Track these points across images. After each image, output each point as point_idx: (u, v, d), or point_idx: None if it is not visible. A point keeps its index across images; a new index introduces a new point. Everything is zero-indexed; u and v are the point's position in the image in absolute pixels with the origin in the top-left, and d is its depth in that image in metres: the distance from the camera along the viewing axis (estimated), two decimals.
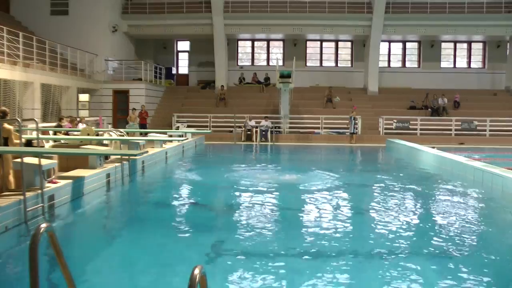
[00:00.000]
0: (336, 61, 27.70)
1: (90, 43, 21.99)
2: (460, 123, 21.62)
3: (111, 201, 8.63)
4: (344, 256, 5.00)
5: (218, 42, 25.02)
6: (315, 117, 22.16)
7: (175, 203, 8.34)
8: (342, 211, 7.48)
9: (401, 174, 12.03)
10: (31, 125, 11.30)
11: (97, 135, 11.83)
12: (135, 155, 9.74)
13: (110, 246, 5.64)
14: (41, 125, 13.02)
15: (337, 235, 5.92)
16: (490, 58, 27.04)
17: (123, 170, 9.73)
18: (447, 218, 6.98)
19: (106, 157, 9.94)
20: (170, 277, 4.45)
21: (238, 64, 27.74)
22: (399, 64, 27.77)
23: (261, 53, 28.41)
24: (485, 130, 21.45)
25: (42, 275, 2.72)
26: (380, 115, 21.98)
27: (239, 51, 27.99)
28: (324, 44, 27.54)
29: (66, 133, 12.13)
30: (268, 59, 27.91)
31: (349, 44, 27.50)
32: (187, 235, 6.09)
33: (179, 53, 28.82)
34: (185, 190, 9.70)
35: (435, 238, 5.76)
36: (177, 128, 20.27)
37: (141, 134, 16.51)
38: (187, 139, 17.10)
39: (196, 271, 2.27)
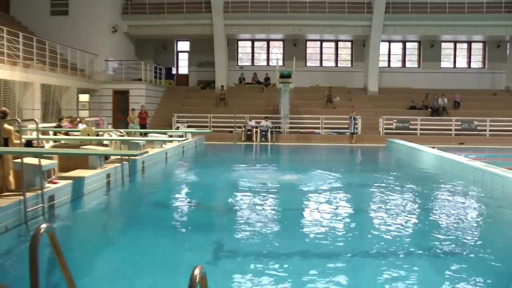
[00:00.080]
0: (336, 61, 27.70)
1: (90, 43, 22.01)
2: (460, 123, 21.61)
3: (111, 202, 8.63)
4: (345, 256, 5.01)
5: (218, 42, 25.02)
6: (315, 117, 22.16)
7: (175, 203, 8.34)
8: (342, 211, 7.49)
9: (401, 174, 12.01)
10: (31, 126, 11.32)
11: (97, 135, 11.84)
12: (135, 155, 9.76)
13: (110, 246, 5.64)
14: (41, 125, 13.01)
15: (338, 235, 5.92)
16: (490, 58, 27.04)
17: (123, 171, 9.73)
18: (447, 218, 6.99)
19: (106, 157, 9.94)
20: (170, 277, 4.45)
21: (238, 64, 27.74)
22: (399, 64, 27.76)
23: (261, 53, 28.40)
24: (485, 130, 21.45)
25: (42, 276, 2.72)
26: (380, 115, 21.97)
27: (239, 51, 27.99)
28: (324, 44, 27.54)
29: (66, 134, 12.13)
30: (268, 59, 27.91)
31: (349, 44, 27.50)
32: (187, 235, 6.09)
33: (179, 53, 28.83)
34: (185, 190, 9.70)
35: (435, 238, 5.75)
36: (177, 128, 20.28)
37: (141, 134, 16.53)
38: (187, 139, 17.10)
39: (196, 271, 2.27)
